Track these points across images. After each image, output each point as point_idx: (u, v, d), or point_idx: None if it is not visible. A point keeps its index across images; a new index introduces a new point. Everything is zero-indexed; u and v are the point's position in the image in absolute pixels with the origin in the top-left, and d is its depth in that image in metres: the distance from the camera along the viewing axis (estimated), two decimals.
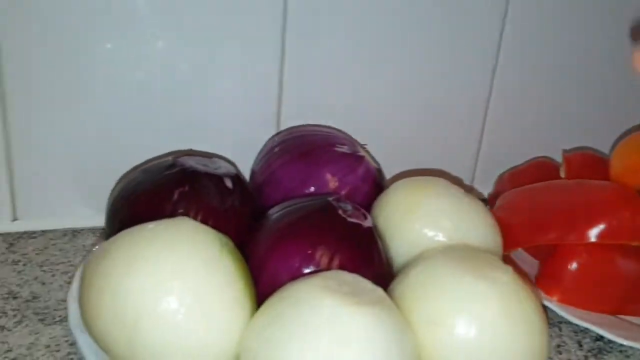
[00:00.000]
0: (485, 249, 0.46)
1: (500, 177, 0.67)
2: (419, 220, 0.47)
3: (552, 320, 0.53)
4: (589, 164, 0.60)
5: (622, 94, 0.70)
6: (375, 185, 0.53)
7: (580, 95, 0.69)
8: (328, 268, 0.41)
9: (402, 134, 0.64)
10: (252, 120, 0.59)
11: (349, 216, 0.44)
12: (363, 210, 0.46)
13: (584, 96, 0.69)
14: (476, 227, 0.47)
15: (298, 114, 0.60)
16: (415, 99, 0.63)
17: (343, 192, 0.51)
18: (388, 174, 0.61)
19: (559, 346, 0.51)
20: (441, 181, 0.50)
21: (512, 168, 0.67)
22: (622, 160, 0.57)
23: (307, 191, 0.51)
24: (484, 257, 0.41)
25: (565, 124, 0.69)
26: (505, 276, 0.39)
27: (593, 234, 0.52)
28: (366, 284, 0.38)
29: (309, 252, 0.42)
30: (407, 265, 0.43)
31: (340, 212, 0.44)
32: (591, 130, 0.70)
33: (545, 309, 0.49)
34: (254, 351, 0.35)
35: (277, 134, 0.57)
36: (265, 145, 0.57)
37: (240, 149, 0.59)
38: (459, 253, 0.41)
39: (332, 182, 0.51)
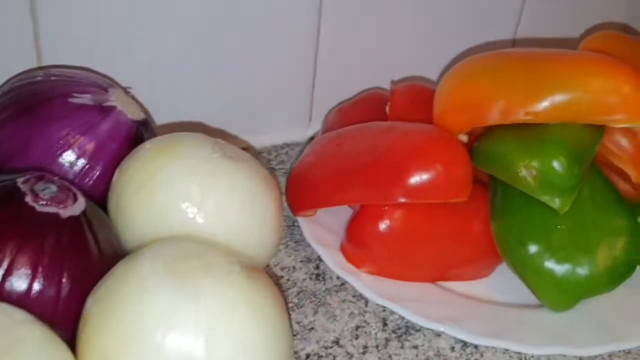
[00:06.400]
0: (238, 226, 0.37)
1: (329, 113, 0.56)
2: (158, 191, 0.37)
3: (356, 294, 0.45)
4: (416, 98, 0.49)
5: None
6: (129, 142, 0.42)
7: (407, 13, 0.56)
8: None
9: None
10: None
11: (45, 204, 0.34)
12: (75, 190, 0.36)
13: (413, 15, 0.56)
14: (231, 196, 0.38)
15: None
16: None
17: (87, 153, 0.41)
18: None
19: (357, 328, 0.42)
20: (194, 138, 0.39)
21: (342, 102, 0.56)
22: (445, 96, 0.46)
23: (34, 156, 0.40)
24: (207, 255, 0.32)
25: (398, 49, 0.57)
26: (223, 283, 0.30)
27: (399, 193, 0.42)
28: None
29: None
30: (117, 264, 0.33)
31: (29, 199, 0.33)
32: (424, 54, 0.58)
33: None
34: None
35: (9, 80, 0.45)
36: None
37: None
38: (171, 251, 0.31)
39: (67, 142, 0.40)
